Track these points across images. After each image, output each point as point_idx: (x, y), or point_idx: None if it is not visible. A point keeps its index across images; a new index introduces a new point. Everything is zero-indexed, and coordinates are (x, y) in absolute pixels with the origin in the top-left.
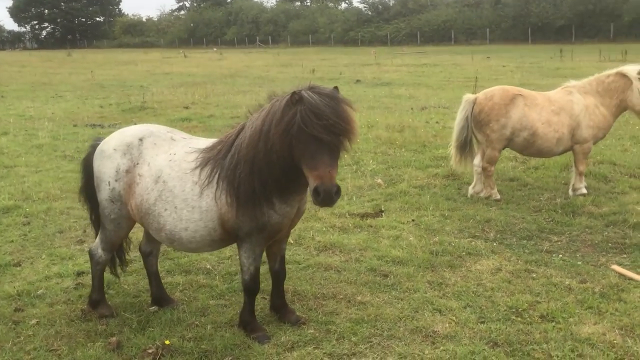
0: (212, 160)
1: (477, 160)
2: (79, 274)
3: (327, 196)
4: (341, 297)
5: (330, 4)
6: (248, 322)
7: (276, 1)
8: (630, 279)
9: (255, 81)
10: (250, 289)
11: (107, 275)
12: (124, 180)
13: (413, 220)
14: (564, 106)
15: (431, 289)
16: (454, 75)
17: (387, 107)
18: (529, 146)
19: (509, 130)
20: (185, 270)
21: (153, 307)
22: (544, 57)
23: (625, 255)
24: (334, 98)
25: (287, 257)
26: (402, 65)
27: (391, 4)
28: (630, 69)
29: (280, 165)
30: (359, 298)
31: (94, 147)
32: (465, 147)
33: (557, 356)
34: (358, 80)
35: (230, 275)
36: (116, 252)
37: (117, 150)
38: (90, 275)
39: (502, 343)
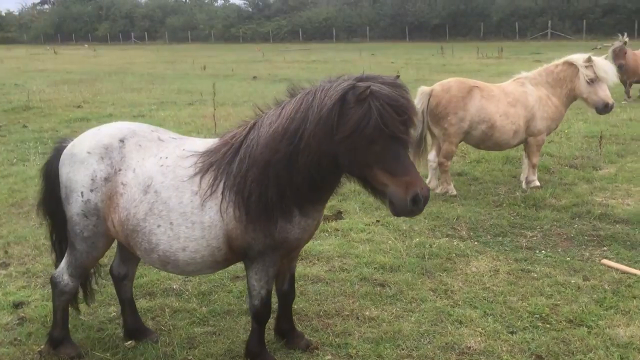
0: (216, 165)
1: (432, 155)
2: (17, 305)
3: (425, 202)
4: (346, 313)
5: (206, 0)
6: (257, 354)
7: None
8: (625, 272)
9: (145, 78)
10: (261, 315)
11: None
12: (102, 190)
13: (378, 221)
14: (519, 98)
15: (438, 297)
16: (348, 71)
17: None
18: (486, 139)
19: (467, 124)
20: (148, 292)
21: (129, 342)
22: (426, 54)
23: (605, 248)
24: (402, 88)
25: None
26: (293, 62)
27: (271, 1)
28: (576, 57)
29: (307, 171)
30: (367, 313)
31: (58, 150)
32: (420, 143)
33: None
34: (255, 77)
35: (205, 296)
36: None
37: (92, 153)
38: (35, 307)
39: (545, 355)
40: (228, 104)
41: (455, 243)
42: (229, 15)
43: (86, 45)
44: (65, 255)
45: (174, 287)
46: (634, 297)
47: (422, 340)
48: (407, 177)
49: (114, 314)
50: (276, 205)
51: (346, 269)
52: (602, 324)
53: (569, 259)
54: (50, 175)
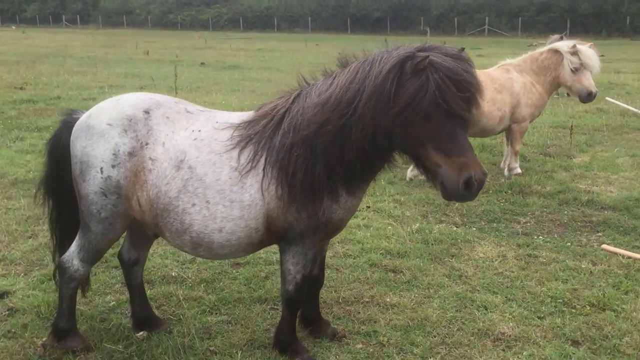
0: (256, 138)
1: None
2: (1, 295)
3: (480, 187)
4: (366, 300)
5: None
6: (289, 343)
7: None
8: (629, 257)
9: (86, 61)
10: (295, 301)
11: (42, 295)
12: (126, 166)
13: (368, 207)
14: (505, 84)
15: (454, 282)
16: (297, 60)
17: (252, 90)
18: (473, 125)
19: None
20: (146, 280)
21: (141, 333)
22: (371, 46)
23: (600, 234)
24: (467, 62)
25: (265, 257)
26: (238, 50)
27: None
28: (561, 44)
29: (361, 147)
30: (388, 299)
31: (68, 123)
32: None
33: None
34: (202, 63)
35: (209, 283)
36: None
37: (113, 125)
38: (23, 297)
39: (582, 340)
40: (181, 88)
41: (453, 229)
42: (167, 1)
43: (13, 27)
44: (77, 238)
45: (173, 274)
46: None
47: (452, 326)
48: (463, 158)
49: (113, 302)
50: (323, 183)
51: (351, 255)
52: (627, 308)
53: (569, 244)
54: (58, 150)
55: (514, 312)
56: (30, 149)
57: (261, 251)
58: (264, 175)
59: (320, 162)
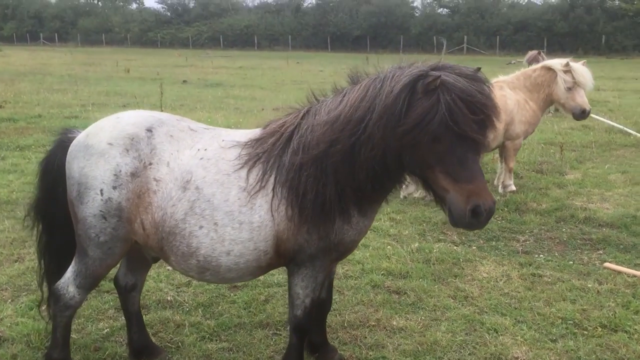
0: (264, 157)
1: None
2: None
3: (488, 217)
4: (372, 323)
5: (120, 3)
6: None
7: None
8: (634, 275)
9: (66, 79)
10: (303, 328)
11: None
12: (128, 187)
13: None
14: (499, 101)
15: (461, 304)
16: (279, 78)
17: (236, 107)
18: (488, 150)
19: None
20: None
21: None
22: (351, 64)
23: (601, 252)
24: (481, 82)
25: (263, 279)
26: (219, 68)
27: (191, 6)
28: (555, 62)
29: (371, 167)
30: (394, 323)
31: (63, 142)
32: None
33: None
34: (185, 81)
35: (207, 308)
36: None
37: (114, 145)
38: (11, 324)
39: None
40: (165, 106)
41: (453, 248)
42: (147, 19)
43: None
44: (73, 263)
45: (168, 298)
46: None
47: (463, 351)
48: (471, 185)
49: (106, 330)
50: (335, 204)
51: (352, 276)
52: (639, 329)
53: (571, 262)
54: (52, 171)
55: (525, 334)
56: (12, 169)
57: None
58: (273, 196)
59: (331, 182)
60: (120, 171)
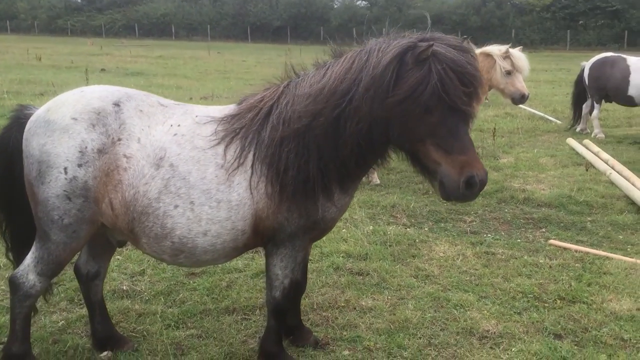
0: (242, 133)
1: None
2: None
3: (481, 188)
4: (341, 304)
5: None
6: (275, 354)
7: None
8: (578, 250)
9: None
10: (282, 309)
11: None
12: (96, 164)
13: None
14: None
15: (423, 283)
16: (202, 67)
17: (164, 96)
18: (474, 121)
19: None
20: None
21: (105, 353)
22: (273, 55)
23: (543, 230)
24: (469, 53)
25: (222, 266)
26: (138, 57)
27: None
28: (493, 48)
29: (355, 142)
30: (363, 303)
31: (20, 119)
32: None
33: (630, 339)
34: (103, 69)
35: (167, 296)
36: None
37: (79, 120)
38: None
39: (564, 334)
40: None
41: (406, 230)
42: (55, 6)
43: None
44: (32, 249)
45: (124, 287)
46: (604, 273)
47: (434, 327)
48: (464, 156)
49: (62, 322)
50: (317, 180)
51: (311, 259)
52: (596, 300)
53: (518, 240)
54: (7, 150)
55: (490, 309)
56: None
57: None
58: (252, 173)
59: (314, 157)
60: (86, 147)
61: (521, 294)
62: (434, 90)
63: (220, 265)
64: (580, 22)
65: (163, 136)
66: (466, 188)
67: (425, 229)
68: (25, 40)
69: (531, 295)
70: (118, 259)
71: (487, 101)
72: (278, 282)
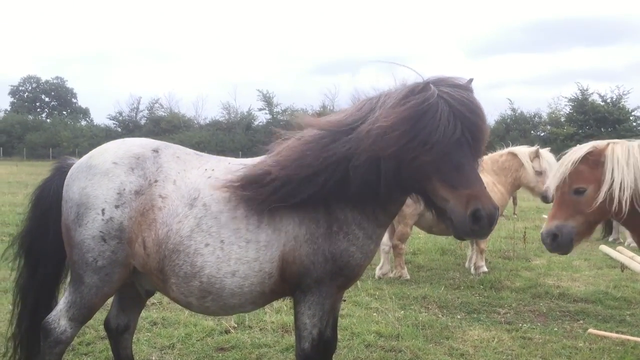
0: None
1: (385, 238)
2: None
3: (490, 222)
4: None
5: (70, 121)
6: None
7: (5, 112)
8: (619, 339)
9: (14, 185)
10: None
11: None
12: (132, 205)
13: (344, 300)
14: None
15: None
16: None
17: None
18: (440, 222)
19: (422, 205)
20: None
21: None
22: None
23: (581, 321)
24: (472, 92)
25: (251, 341)
26: None
27: (142, 123)
28: (520, 150)
29: (363, 180)
30: None
31: (62, 168)
32: None
33: None
34: None
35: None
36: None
37: (119, 164)
38: None
39: None
40: None
41: (438, 317)
42: (97, 134)
43: None
44: (65, 294)
45: (153, 358)
46: None
47: None
48: (469, 190)
49: None
50: (342, 221)
51: (342, 339)
52: None
53: (555, 329)
54: (47, 198)
55: None
56: None
57: (247, 336)
58: (278, 214)
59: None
60: (124, 189)
61: None
62: (435, 126)
63: (249, 340)
64: None
65: (197, 178)
66: (473, 222)
67: (457, 317)
68: None
69: None
70: (148, 335)
71: (515, 216)
72: (306, 332)
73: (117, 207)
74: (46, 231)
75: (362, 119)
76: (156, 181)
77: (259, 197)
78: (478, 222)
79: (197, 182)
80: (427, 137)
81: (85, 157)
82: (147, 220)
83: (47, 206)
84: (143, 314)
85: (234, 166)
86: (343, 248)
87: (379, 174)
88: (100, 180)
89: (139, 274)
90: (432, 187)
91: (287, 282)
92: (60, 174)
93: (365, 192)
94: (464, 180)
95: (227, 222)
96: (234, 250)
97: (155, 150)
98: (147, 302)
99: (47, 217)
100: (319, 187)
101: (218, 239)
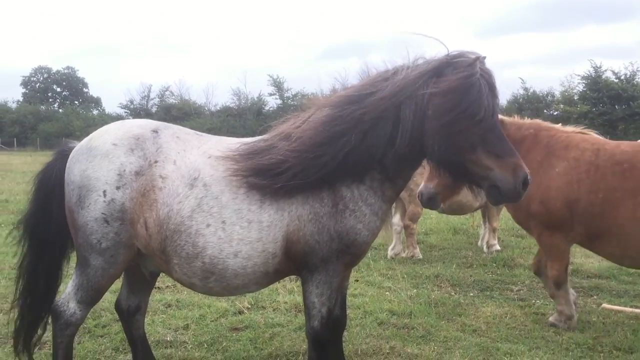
0: None
1: (397, 219)
2: None
3: (528, 185)
4: (386, 351)
5: (82, 111)
6: None
7: (18, 103)
8: (633, 312)
9: (29, 175)
10: (322, 339)
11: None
12: (133, 186)
13: (357, 280)
14: None
15: (470, 336)
16: None
17: None
18: (452, 201)
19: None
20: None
21: None
22: None
23: (595, 297)
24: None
25: (265, 321)
26: None
27: (154, 111)
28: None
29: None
30: (409, 350)
31: (64, 152)
32: None
33: None
34: None
35: (211, 345)
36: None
37: (119, 145)
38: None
39: None
40: None
41: (451, 294)
42: (107, 122)
43: None
44: (73, 277)
45: (168, 338)
46: None
47: None
48: (514, 158)
49: None
50: (349, 199)
51: (354, 318)
52: None
53: None
54: (50, 181)
55: (542, 357)
56: None
57: (260, 316)
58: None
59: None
60: (125, 170)
61: (575, 344)
62: (483, 99)
63: (263, 320)
64: (620, 127)
65: (198, 158)
66: (523, 187)
67: (470, 294)
68: None
69: (585, 346)
70: (162, 317)
71: None
72: (315, 311)
73: (118, 188)
74: (49, 214)
75: (379, 89)
76: (156, 162)
77: (274, 185)
78: (525, 187)
79: (197, 161)
80: (477, 109)
81: (85, 140)
82: (148, 200)
83: (50, 189)
84: (157, 296)
85: (235, 145)
86: (350, 226)
87: (383, 139)
88: (100, 162)
89: (142, 256)
90: (476, 157)
91: (292, 261)
92: (62, 157)
93: (366, 161)
94: (508, 150)
95: (228, 203)
96: (236, 230)
97: (155, 131)
98: (162, 285)
99: (50, 200)
100: (334, 162)
101: (219, 219)
